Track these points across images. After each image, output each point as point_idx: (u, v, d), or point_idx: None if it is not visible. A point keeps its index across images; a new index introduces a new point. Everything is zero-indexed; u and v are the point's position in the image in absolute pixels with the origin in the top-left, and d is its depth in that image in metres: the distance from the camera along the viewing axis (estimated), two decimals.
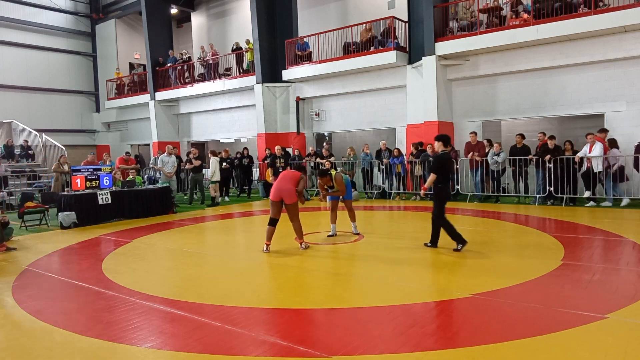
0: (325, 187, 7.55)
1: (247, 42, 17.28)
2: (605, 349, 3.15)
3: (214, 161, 13.43)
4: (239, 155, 15.73)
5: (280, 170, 12.01)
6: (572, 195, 10.54)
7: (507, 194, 11.72)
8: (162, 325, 3.94)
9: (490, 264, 5.57)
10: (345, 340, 3.42)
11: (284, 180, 6.62)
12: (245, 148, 16.08)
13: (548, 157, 10.51)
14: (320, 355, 3.21)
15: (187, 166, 13.35)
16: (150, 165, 14.69)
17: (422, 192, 7.03)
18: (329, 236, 7.63)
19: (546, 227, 7.96)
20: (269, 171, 14.34)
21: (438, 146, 6.57)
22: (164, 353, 3.38)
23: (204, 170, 14.02)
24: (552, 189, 10.60)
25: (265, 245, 6.64)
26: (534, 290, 4.49)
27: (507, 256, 5.91)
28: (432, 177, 6.37)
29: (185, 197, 14.68)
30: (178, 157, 14.42)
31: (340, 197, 7.70)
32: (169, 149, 13.49)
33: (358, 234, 7.69)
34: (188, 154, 14.43)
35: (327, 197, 7.79)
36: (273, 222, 6.64)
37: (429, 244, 6.54)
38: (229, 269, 5.92)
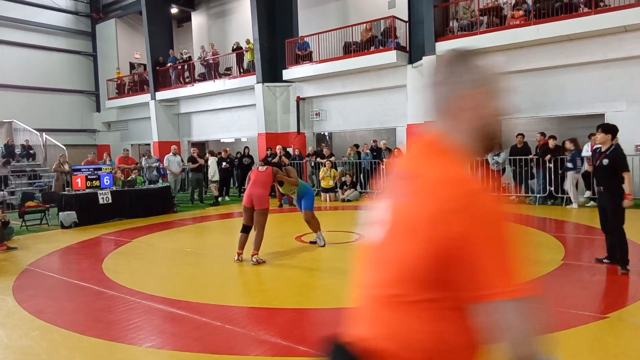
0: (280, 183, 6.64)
1: (247, 41, 17.27)
2: (605, 349, 3.15)
3: (212, 161, 13.53)
4: (239, 155, 15.73)
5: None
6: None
7: (506, 194, 11.72)
8: (162, 325, 3.95)
9: None
10: None
11: (255, 185, 6.14)
12: (247, 147, 16.09)
13: (548, 157, 10.50)
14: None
15: (190, 165, 13.50)
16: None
17: (627, 201, 4.75)
18: (311, 242, 7.05)
19: (546, 227, 7.96)
20: None
21: (605, 139, 4.85)
22: (164, 353, 3.38)
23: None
24: (552, 188, 10.60)
25: (237, 254, 6.04)
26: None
27: None
28: (629, 176, 4.73)
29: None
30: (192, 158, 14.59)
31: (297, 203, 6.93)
32: (174, 149, 13.99)
33: (323, 245, 6.81)
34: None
35: (296, 202, 7.00)
36: (246, 229, 6.15)
37: (623, 271, 4.79)
38: (230, 268, 5.92)
